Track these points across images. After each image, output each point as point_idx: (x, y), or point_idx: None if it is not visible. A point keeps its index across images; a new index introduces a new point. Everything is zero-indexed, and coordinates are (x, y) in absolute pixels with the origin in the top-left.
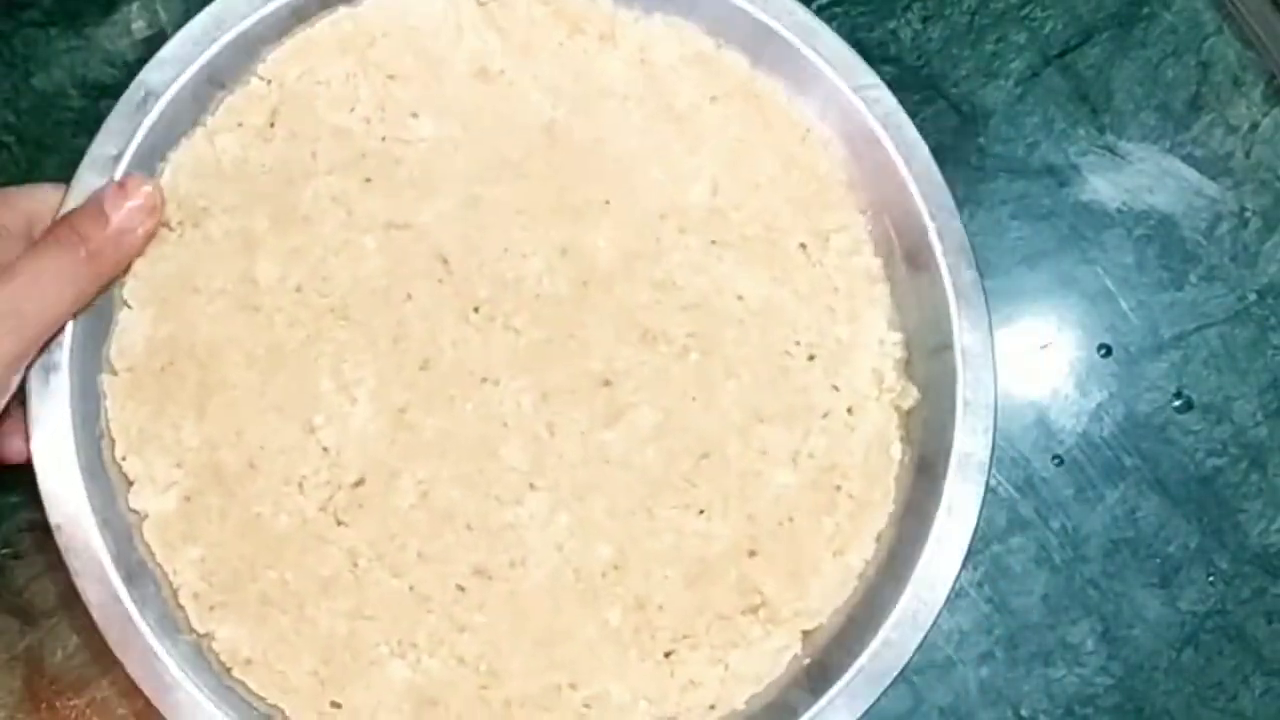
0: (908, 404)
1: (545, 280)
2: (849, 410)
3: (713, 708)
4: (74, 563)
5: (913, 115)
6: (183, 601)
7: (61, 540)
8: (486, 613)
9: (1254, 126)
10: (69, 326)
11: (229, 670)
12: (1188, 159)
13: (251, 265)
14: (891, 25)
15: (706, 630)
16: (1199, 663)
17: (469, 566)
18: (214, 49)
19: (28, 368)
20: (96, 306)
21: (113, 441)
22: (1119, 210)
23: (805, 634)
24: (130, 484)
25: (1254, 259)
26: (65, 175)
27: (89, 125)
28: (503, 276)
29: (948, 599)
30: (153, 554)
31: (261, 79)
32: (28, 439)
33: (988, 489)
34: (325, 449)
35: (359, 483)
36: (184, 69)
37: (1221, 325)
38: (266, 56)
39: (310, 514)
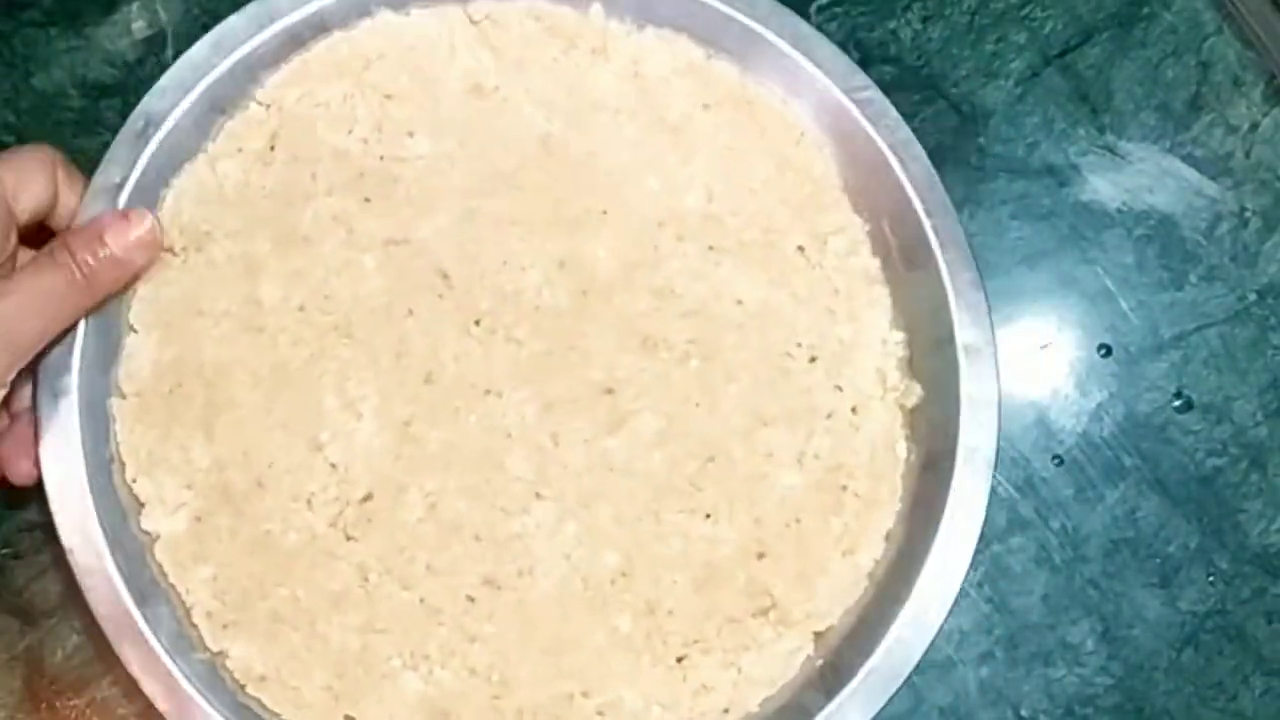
0: (912, 402)
1: (545, 291)
2: (853, 410)
3: (726, 711)
4: (87, 584)
5: (913, 115)
6: (196, 620)
7: (74, 562)
8: (496, 623)
9: (1254, 126)
10: (77, 351)
11: (243, 687)
12: (1188, 159)
13: (255, 287)
14: (891, 25)
15: (717, 634)
16: (1199, 663)
17: (478, 577)
18: (213, 75)
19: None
20: (104, 331)
21: (123, 464)
22: (1119, 210)
23: (817, 635)
24: (141, 506)
25: (1254, 259)
26: None
27: (89, 125)
28: (502, 289)
29: (958, 595)
30: (165, 574)
31: (260, 103)
32: (36, 462)
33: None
34: (332, 465)
35: (367, 498)
36: (184, 96)
37: (1221, 325)
38: (265, 81)
39: (319, 530)
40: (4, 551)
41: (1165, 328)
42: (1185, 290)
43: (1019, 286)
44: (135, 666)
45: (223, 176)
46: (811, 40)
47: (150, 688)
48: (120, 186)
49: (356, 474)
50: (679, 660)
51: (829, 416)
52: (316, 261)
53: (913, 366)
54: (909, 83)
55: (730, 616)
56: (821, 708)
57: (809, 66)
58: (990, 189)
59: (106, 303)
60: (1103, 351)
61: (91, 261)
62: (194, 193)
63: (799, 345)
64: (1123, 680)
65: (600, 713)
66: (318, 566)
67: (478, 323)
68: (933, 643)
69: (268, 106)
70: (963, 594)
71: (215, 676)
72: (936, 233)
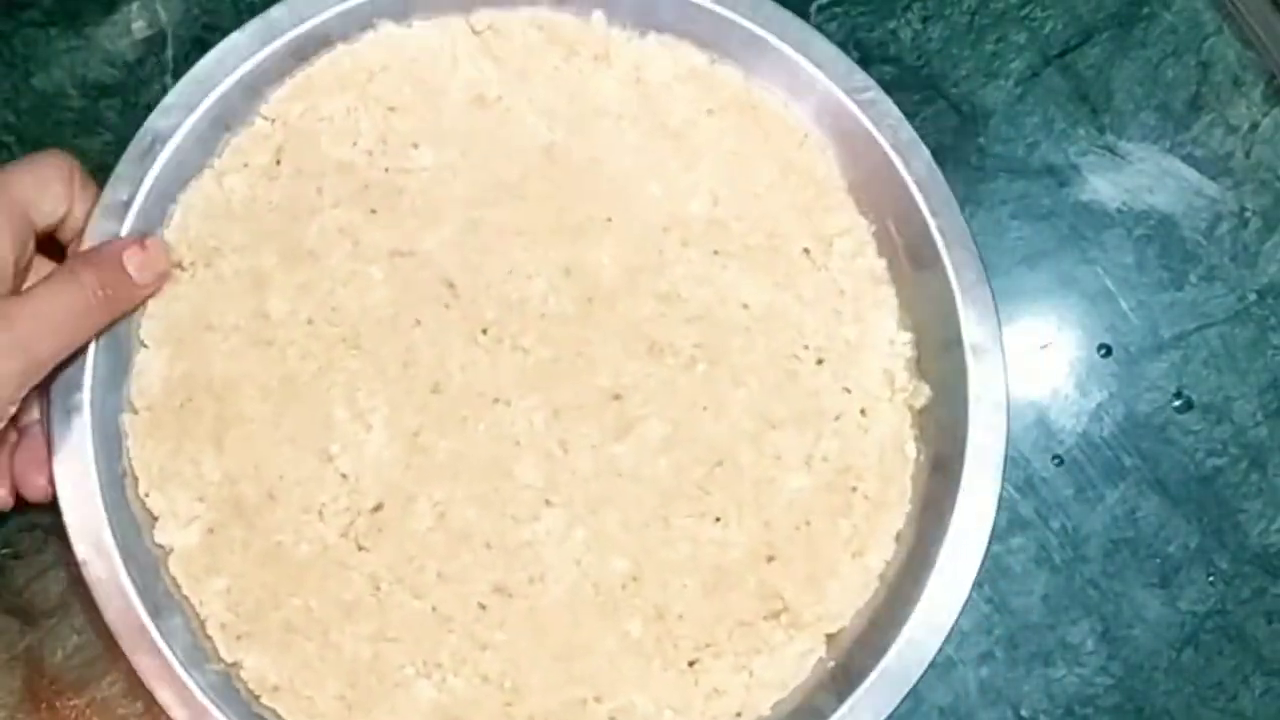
0: (920, 403)
1: (550, 299)
2: (862, 412)
3: (739, 715)
4: (102, 598)
5: (913, 115)
6: (210, 632)
7: (89, 576)
8: (508, 630)
9: (1254, 126)
10: (88, 368)
11: (257, 698)
12: (1188, 159)
13: (263, 301)
14: (891, 25)
15: (729, 638)
16: (1199, 663)
17: (489, 585)
18: (217, 92)
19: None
20: (115, 348)
21: (135, 479)
22: (1119, 210)
23: (829, 637)
24: (154, 520)
25: (1254, 259)
26: None
27: (89, 125)
28: (508, 298)
29: (969, 596)
30: (178, 587)
31: (265, 119)
32: (50, 479)
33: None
34: (343, 476)
35: (377, 508)
36: (189, 113)
37: (1221, 325)
38: (269, 96)
39: (331, 541)
40: (4, 551)
41: (1165, 328)
42: (1185, 290)
43: (1019, 286)
44: (150, 678)
45: (229, 192)
46: (813, 43)
47: (165, 699)
48: (128, 204)
49: (366, 484)
50: (690, 664)
51: (837, 418)
52: (323, 274)
53: (920, 367)
54: (909, 83)
55: (741, 620)
56: (834, 710)
57: (811, 69)
58: (990, 189)
59: (118, 321)
60: (1103, 351)
61: (111, 285)
62: (201, 208)
63: (806, 347)
64: (1123, 680)
65: (612, 718)
66: (330, 577)
67: (484, 332)
68: (943, 644)
69: (272, 121)
70: None
71: (230, 687)
72: (942, 232)
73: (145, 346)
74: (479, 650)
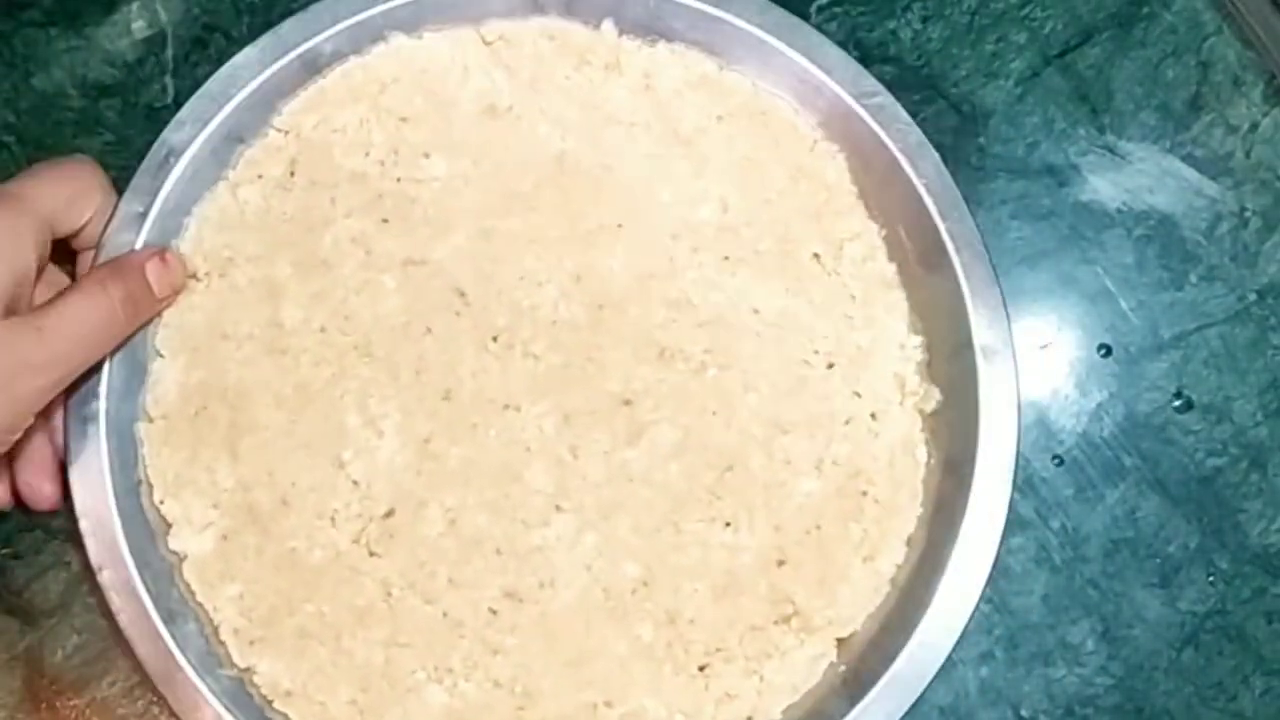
0: (931, 406)
1: (561, 306)
2: (872, 416)
3: None
4: (116, 604)
5: (913, 115)
6: (223, 638)
7: (103, 583)
8: (519, 635)
9: (1254, 126)
10: (104, 378)
11: (270, 703)
12: (1188, 159)
13: (277, 310)
14: (891, 25)
15: (739, 642)
16: (1199, 663)
17: (499, 590)
18: (230, 105)
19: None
20: (131, 358)
21: (150, 487)
22: (1119, 210)
23: (840, 641)
24: (168, 527)
25: (1254, 259)
26: None
27: (89, 125)
28: (519, 305)
29: (980, 599)
30: (192, 593)
31: (279, 130)
32: (65, 491)
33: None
34: (355, 483)
35: (389, 514)
36: (203, 127)
37: (1221, 325)
38: (282, 109)
39: (343, 547)
40: (4, 551)
41: (1165, 328)
42: (1185, 290)
43: (1019, 286)
44: (164, 684)
45: (244, 203)
46: (821, 48)
47: (178, 705)
48: (144, 216)
49: (378, 490)
50: (701, 669)
51: (848, 423)
52: (336, 283)
53: (931, 370)
54: (909, 83)
55: (752, 624)
56: (845, 714)
57: (819, 75)
58: (990, 189)
59: (135, 332)
60: (1103, 351)
61: (135, 297)
62: (216, 219)
63: (816, 352)
64: (1123, 680)
65: None
66: (342, 582)
67: (495, 339)
68: (954, 648)
69: (286, 133)
70: None
71: (243, 693)
72: (951, 235)
73: (161, 356)
74: (490, 655)
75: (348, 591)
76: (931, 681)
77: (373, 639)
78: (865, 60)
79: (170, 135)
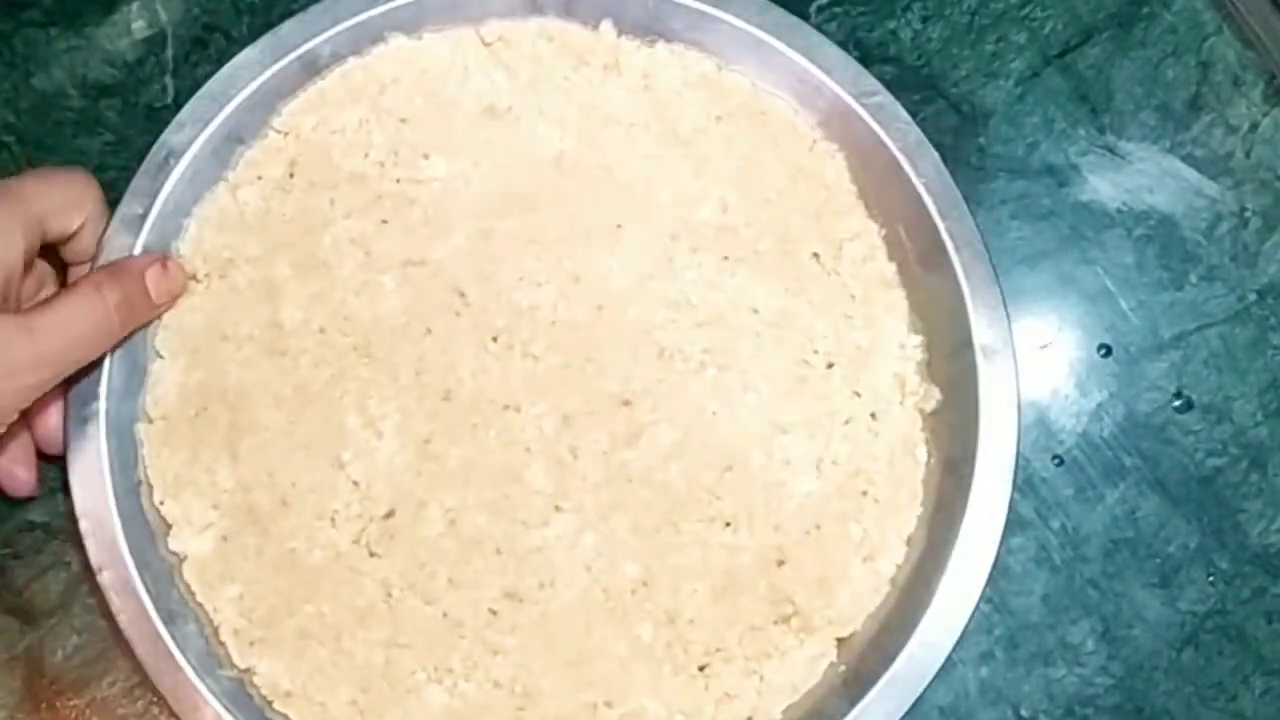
0: (931, 406)
1: (560, 306)
2: (872, 415)
3: None
4: (116, 605)
5: (913, 115)
6: (223, 639)
7: (103, 583)
8: (519, 635)
9: (1254, 126)
10: (104, 379)
11: (270, 703)
12: (1188, 159)
13: (276, 311)
14: (891, 25)
15: (739, 642)
16: (1199, 663)
17: (499, 590)
18: (230, 107)
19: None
20: (131, 359)
21: (150, 488)
22: (1119, 210)
23: (840, 641)
24: (168, 527)
25: (1254, 259)
26: None
27: (89, 125)
28: (518, 306)
29: (980, 599)
30: (192, 594)
31: (278, 132)
32: (65, 491)
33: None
34: (355, 483)
35: (389, 514)
36: (203, 128)
37: (1221, 325)
38: (281, 110)
39: (343, 547)
40: (4, 551)
41: (1165, 328)
42: (1185, 290)
43: (1019, 286)
44: (163, 685)
45: (243, 204)
46: (821, 48)
47: (178, 705)
48: (143, 217)
49: (378, 491)
50: (701, 669)
51: (847, 422)
52: (336, 284)
53: (931, 370)
54: (909, 83)
55: (752, 624)
56: (845, 714)
57: (819, 74)
58: (990, 189)
59: (132, 334)
60: (1103, 351)
61: (131, 301)
62: (216, 220)
63: (816, 352)
64: (1123, 680)
65: None
66: (342, 583)
67: (495, 339)
68: (955, 648)
69: (285, 135)
70: None
71: (243, 693)
72: (951, 234)
73: (161, 357)
74: (490, 655)
75: (348, 592)
76: (931, 681)
77: (373, 639)
78: (865, 60)
79: (170, 136)
